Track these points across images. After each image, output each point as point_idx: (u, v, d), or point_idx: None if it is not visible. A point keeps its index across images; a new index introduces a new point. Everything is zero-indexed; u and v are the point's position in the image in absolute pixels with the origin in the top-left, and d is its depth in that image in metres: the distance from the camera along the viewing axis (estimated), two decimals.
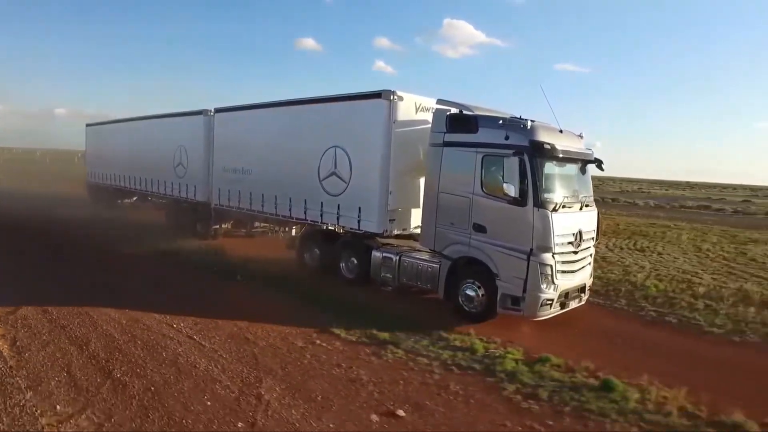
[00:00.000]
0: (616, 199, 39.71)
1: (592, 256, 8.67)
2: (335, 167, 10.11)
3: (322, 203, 10.43)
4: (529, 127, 7.61)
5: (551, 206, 7.43)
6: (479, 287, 7.98)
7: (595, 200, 9.02)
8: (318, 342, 6.95)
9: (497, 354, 6.65)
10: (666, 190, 65.23)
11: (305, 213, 10.91)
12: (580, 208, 8.15)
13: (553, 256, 7.46)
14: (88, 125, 24.10)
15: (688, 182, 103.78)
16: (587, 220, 8.31)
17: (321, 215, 10.52)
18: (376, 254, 9.47)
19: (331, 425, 4.79)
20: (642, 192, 55.52)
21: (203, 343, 6.69)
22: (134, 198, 20.47)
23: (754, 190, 71.45)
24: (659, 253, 14.92)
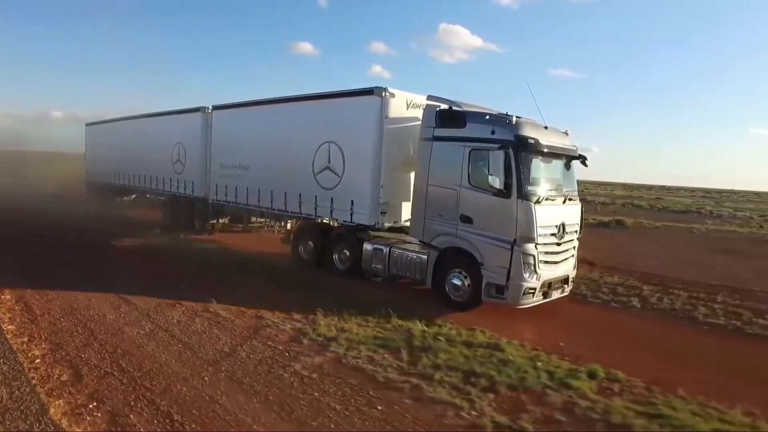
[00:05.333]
0: None
1: (576, 248, 8.95)
2: (329, 162, 10.41)
3: (316, 197, 10.71)
4: (514, 123, 7.92)
5: (534, 198, 7.73)
6: (465, 277, 8.26)
7: None
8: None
9: None
10: (612, 190, 65.63)
11: (300, 207, 11.19)
12: (564, 202, 8.45)
13: (536, 247, 7.74)
14: (87, 124, 24.37)
15: (644, 184, 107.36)
16: (571, 213, 8.60)
17: (315, 209, 10.79)
18: (368, 246, 9.75)
19: None
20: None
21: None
22: (133, 196, 20.73)
23: (709, 192, 73.71)
24: None
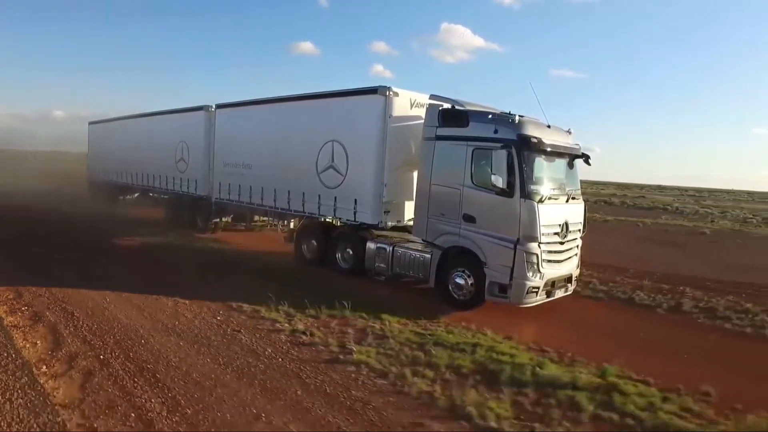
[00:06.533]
0: None
1: (579, 247, 8.95)
2: (333, 161, 10.43)
3: (319, 196, 10.73)
4: (517, 122, 7.92)
5: (537, 198, 7.73)
6: (468, 275, 8.28)
7: None
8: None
9: None
10: (601, 189, 65.16)
11: (303, 206, 11.22)
12: (567, 201, 8.46)
13: (539, 246, 7.75)
14: (90, 123, 24.46)
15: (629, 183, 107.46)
16: (574, 212, 8.61)
17: (318, 208, 10.82)
18: (371, 245, 9.78)
19: None
20: None
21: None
22: (136, 194, 20.78)
23: (700, 191, 73.99)
24: None
